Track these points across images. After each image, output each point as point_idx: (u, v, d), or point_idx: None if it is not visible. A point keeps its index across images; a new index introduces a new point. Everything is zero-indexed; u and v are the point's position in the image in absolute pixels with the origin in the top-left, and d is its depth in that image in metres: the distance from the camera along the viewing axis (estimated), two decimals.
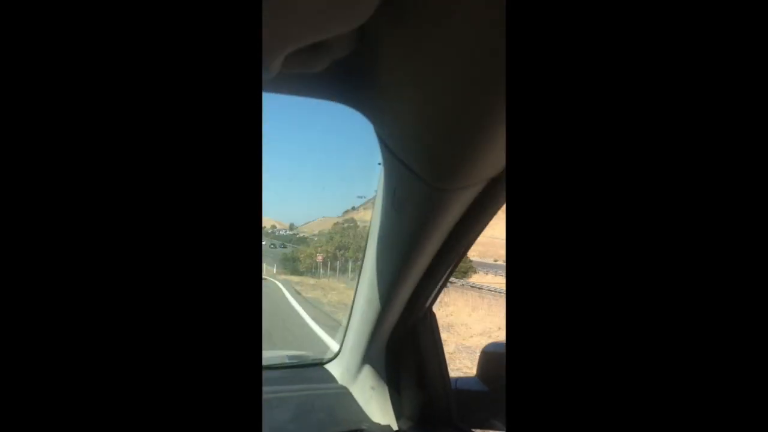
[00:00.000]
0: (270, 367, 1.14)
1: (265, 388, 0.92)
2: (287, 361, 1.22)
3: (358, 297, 0.91)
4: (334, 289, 14.72)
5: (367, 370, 0.94)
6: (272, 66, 0.44)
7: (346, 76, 0.53)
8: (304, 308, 9.61)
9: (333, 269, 24.82)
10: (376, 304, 0.82)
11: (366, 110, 0.59)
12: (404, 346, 0.88)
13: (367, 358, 0.94)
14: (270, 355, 1.32)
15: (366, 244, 0.83)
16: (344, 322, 1.02)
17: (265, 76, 0.45)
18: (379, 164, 0.69)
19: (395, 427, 0.88)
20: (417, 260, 0.70)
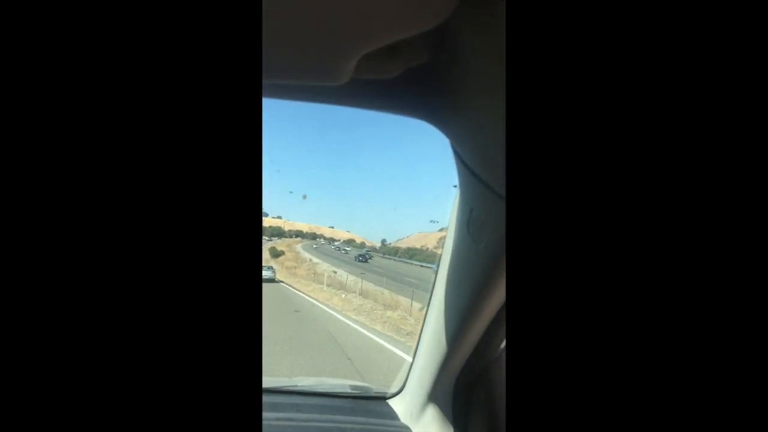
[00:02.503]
0: (331, 395, 1.07)
1: (324, 416, 0.91)
2: (349, 390, 1.10)
3: (425, 330, 0.83)
4: None
5: (432, 411, 0.84)
6: (345, 70, 0.41)
7: (421, 85, 0.49)
8: None
9: None
10: (444, 340, 0.73)
11: (442, 123, 0.54)
12: (475, 388, 0.78)
13: (433, 397, 0.84)
14: (332, 382, 1.20)
15: (436, 274, 0.76)
16: (411, 356, 0.87)
17: (336, 83, 0.43)
18: (455, 187, 0.62)
19: None
20: (493, 293, 0.61)
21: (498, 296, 0.62)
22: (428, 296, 0.82)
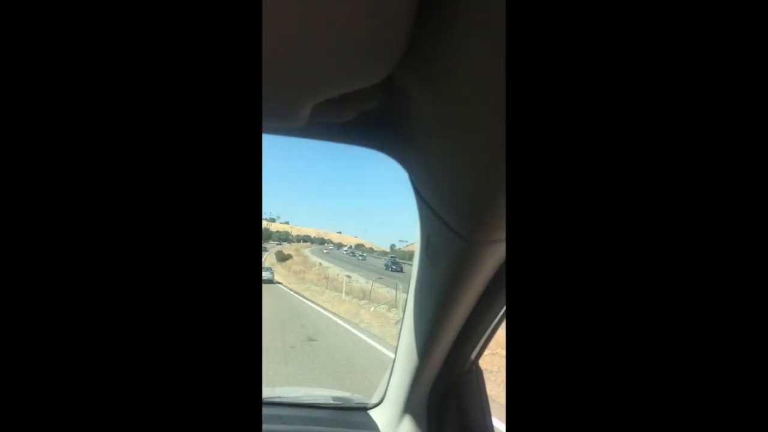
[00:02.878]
0: (314, 406, 1.07)
1: (306, 427, 0.94)
2: (331, 401, 1.11)
3: (401, 342, 0.84)
4: None
5: (408, 423, 0.87)
6: (300, 115, 0.43)
7: (377, 124, 0.52)
8: None
9: None
10: (415, 355, 0.76)
11: (400, 158, 0.57)
12: (447, 401, 0.80)
13: (409, 409, 0.87)
14: (315, 393, 1.22)
15: (408, 291, 0.79)
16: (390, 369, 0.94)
17: (294, 125, 0.45)
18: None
19: None
20: (454, 312, 0.64)
21: (458, 315, 0.64)
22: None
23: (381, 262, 41.67)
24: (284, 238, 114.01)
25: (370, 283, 16.72)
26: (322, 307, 11.64)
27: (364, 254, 63.58)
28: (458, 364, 0.76)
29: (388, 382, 0.95)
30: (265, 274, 18.12)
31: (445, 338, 0.70)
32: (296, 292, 15.23)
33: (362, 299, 13.65)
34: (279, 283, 19.68)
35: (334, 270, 28.56)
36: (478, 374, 0.79)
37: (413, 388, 0.82)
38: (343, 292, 14.84)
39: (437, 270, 0.60)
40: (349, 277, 22.64)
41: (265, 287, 15.32)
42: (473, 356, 0.76)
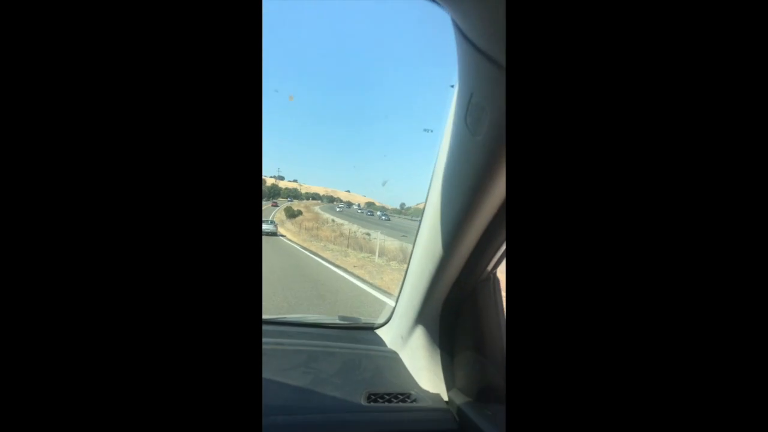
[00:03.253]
0: (320, 325, 1.11)
1: (313, 342, 0.95)
2: (338, 321, 1.15)
3: (415, 251, 0.83)
4: None
5: (420, 333, 0.86)
6: None
7: None
8: None
9: None
10: (436, 257, 0.73)
11: None
12: (462, 310, 0.79)
13: (421, 318, 0.85)
14: (324, 317, 1.22)
15: (429, 188, 0.73)
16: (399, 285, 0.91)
17: None
18: (452, 87, 0.58)
19: (445, 397, 0.79)
20: (491, 185, 0.57)
21: (497, 193, 0.58)
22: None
23: (402, 222, 38.21)
24: (293, 195, 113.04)
25: (409, 246, 13.02)
26: (353, 274, 7.94)
27: (387, 214, 58.34)
28: (477, 271, 0.72)
29: (397, 299, 0.94)
30: (269, 227, 16.03)
31: (470, 234, 0.64)
32: (313, 252, 11.56)
33: (403, 262, 9.92)
34: (282, 236, 17.09)
35: (349, 227, 25.04)
36: (495, 284, 0.76)
37: (428, 297, 0.80)
38: (377, 253, 11.13)
39: (477, 138, 0.53)
40: (368, 234, 19.17)
41: (266, 240, 13.58)
42: (492, 265, 0.73)
